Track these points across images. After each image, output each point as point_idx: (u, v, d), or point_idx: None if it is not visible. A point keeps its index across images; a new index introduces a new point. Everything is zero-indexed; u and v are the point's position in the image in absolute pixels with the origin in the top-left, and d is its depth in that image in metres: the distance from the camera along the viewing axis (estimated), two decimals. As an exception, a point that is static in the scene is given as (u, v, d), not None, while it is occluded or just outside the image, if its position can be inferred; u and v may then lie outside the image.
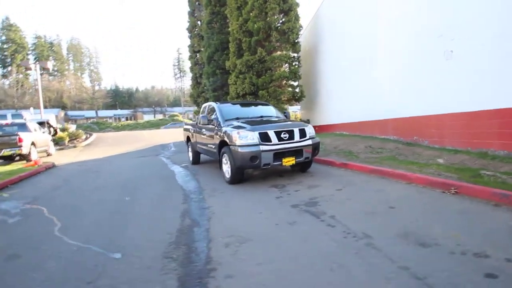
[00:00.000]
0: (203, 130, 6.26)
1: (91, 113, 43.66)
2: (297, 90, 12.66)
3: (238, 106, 6.31)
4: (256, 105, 6.59)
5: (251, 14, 12.05)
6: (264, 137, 4.63)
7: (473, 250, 2.04)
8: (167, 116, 42.38)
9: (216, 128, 5.50)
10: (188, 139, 8.05)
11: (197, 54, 18.08)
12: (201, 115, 5.83)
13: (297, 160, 4.83)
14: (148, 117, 43.03)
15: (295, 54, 12.25)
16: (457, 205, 3.04)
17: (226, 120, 5.44)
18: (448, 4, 5.65)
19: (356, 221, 2.79)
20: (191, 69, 18.71)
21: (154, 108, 47.62)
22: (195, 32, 18.23)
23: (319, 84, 12.71)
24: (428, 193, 3.56)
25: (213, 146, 5.64)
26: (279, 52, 12.05)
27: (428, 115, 6.27)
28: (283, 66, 12.29)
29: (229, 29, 13.31)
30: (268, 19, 11.66)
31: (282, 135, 4.75)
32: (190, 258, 2.28)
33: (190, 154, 7.83)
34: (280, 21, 11.75)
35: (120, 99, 53.82)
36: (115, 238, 2.79)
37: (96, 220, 3.36)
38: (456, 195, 3.37)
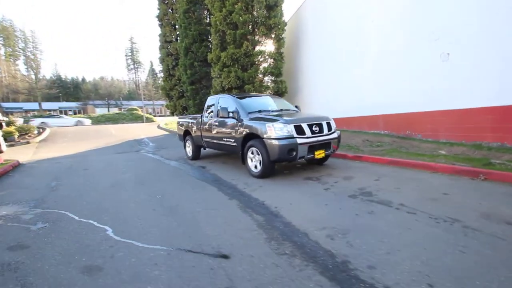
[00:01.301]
0: (216, 123, 5.96)
1: (31, 106, 37.86)
2: (280, 85, 12.80)
3: (254, 98, 6.14)
4: (267, 97, 6.50)
5: (236, 6, 11.76)
6: (299, 130, 4.61)
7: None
8: (123, 110, 39.17)
9: (237, 121, 5.29)
10: (185, 133, 7.60)
11: (170, 44, 17.01)
12: (220, 107, 5.53)
13: (326, 152, 4.92)
14: (100, 111, 39.14)
15: (280, 50, 12.35)
16: (500, 189, 3.45)
17: (249, 113, 5.26)
18: (443, 10, 6.27)
19: (428, 207, 2.97)
20: (163, 60, 17.53)
21: (108, 101, 43.47)
22: (167, 20, 17.12)
23: (302, 80, 13.04)
24: (462, 180, 3.95)
25: (233, 140, 5.42)
26: (264, 47, 12.00)
27: (422, 111, 6.92)
28: (268, 61, 12.29)
29: (211, 20, 12.81)
30: (254, 12, 11.54)
31: (313, 128, 4.79)
32: (308, 253, 2.17)
33: (189, 149, 7.42)
34: (266, 16, 11.68)
35: (65, 90, 47.99)
36: (199, 238, 2.51)
37: (157, 223, 2.97)
38: (487, 181, 3.81)
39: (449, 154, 5.54)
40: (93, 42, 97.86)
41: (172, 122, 24.19)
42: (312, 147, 4.67)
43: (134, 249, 2.35)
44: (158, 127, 20.44)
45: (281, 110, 5.75)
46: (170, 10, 17.12)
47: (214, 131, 6.09)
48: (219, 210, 3.31)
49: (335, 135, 5.11)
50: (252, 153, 4.94)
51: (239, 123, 5.24)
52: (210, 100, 6.67)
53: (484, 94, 5.56)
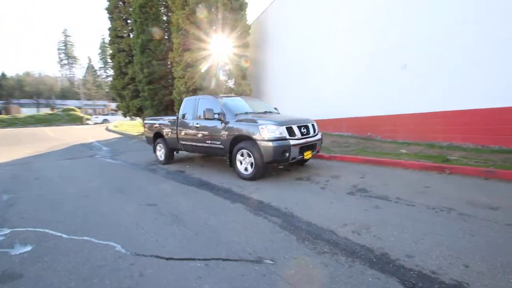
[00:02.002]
0: (197, 125, 5.71)
1: None
2: (245, 88, 12.86)
3: (236, 99, 6.04)
4: (250, 99, 6.47)
5: (199, 5, 11.47)
6: (290, 132, 4.71)
7: (523, 208, 2.89)
8: (56, 110, 34.48)
9: (223, 123, 5.16)
10: (156, 136, 7.11)
11: (121, 39, 15.64)
12: (205, 109, 5.30)
13: (312, 153, 5.13)
14: (28, 111, 33.70)
15: (246, 53, 12.41)
16: (467, 181, 4.06)
17: (236, 115, 5.18)
18: (403, 23, 7.13)
19: (421, 200, 3.34)
20: (113, 56, 15.97)
21: (37, 100, 37.63)
22: (118, 13, 15.72)
23: (265, 83, 13.32)
24: (432, 175, 4.54)
25: (219, 142, 5.26)
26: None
27: (383, 115, 7.72)
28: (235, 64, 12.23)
29: (172, 17, 12.25)
30: (219, 14, 11.41)
31: (302, 130, 4.95)
32: (347, 249, 2.24)
33: (160, 152, 6.96)
34: (232, 19, 11.63)
35: (-24, 86, 40.27)
36: (228, 246, 2.38)
37: (170, 233, 2.69)
38: (452, 174, 4.46)
39: (409, 153, 6.29)
40: (15, 33, 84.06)
41: (122, 124, 22.25)
42: (302, 148, 4.82)
43: (163, 264, 2.11)
44: (107, 129, 18.58)
45: (265, 112, 5.80)
46: (121, 2, 15.77)
47: (194, 134, 5.83)
48: (228, 215, 3.18)
49: (319, 136, 5.36)
50: (242, 155, 4.87)
51: (226, 125, 5.11)
52: (187, 101, 6.36)
53: (436, 100, 6.48)
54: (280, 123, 4.67)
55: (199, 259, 2.16)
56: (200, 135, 5.71)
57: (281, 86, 12.32)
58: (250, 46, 12.58)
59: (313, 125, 5.34)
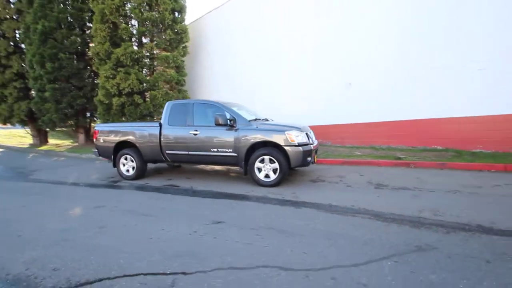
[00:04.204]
0: (197, 132, 5.15)
1: None
2: (184, 95, 12.08)
3: (237, 105, 5.75)
4: (242, 105, 6.26)
5: (135, -1, 10.22)
6: (307, 137, 5.01)
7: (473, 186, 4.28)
8: None
9: (236, 129, 4.91)
10: (119, 146, 5.86)
11: (2, 22, 11.63)
12: (217, 114, 4.85)
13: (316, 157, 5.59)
14: None
15: (182, 58, 11.73)
16: (432, 171, 5.46)
17: (249, 121, 5.04)
18: (348, 46, 8.70)
19: (432, 186, 4.33)
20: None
21: None
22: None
23: (202, 91, 12.95)
24: (405, 169, 5.82)
25: (230, 150, 4.95)
26: (169, 53, 10.98)
27: (332, 124, 9.08)
28: (173, 69, 11.32)
29: (93, 6, 10.29)
30: (155, 12, 10.47)
31: (310, 135, 5.33)
32: (453, 228, 2.77)
33: (127, 166, 5.83)
34: (173, 20, 10.84)
35: None
36: (342, 252, 2.47)
37: (253, 246, 2.46)
38: (416, 168, 5.87)
39: (363, 154, 7.73)
40: None
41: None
42: (314, 153, 5.20)
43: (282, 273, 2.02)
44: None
45: (266, 119, 5.85)
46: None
47: (191, 142, 5.22)
48: (329, 220, 3.16)
49: (316, 141, 5.89)
50: (262, 161, 4.78)
51: (241, 132, 4.89)
52: (175, 106, 5.60)
53: (376, 112, 8.24)
54: (301, 129, 4.91)
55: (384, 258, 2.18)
56: (200, 143, 5.16)
57: (222, 93, 12.28)
58: (189, 52, 12.01)
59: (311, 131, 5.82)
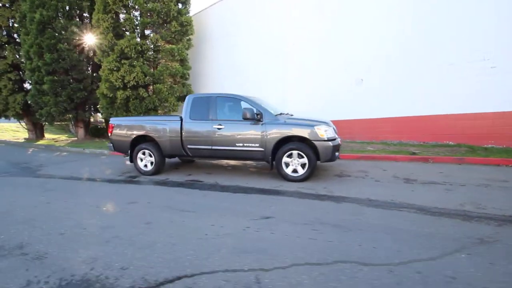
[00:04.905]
0: (222, 127, 5.05)
1: None
2: (189, 89, 11.84)
3: (261, 100, 5.63)
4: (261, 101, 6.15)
5: (138, -13, 9.88)
6: (334, 132, 4.99)
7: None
8: None
9: (263, 123, 4.83)
10: (136, 141, 5.68)
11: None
12: (245, 108, 4.76)
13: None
14: None
15: (187, 51, 11.47)
16: (452, 166, 5.55)
17: (276, 115, 4.97)
18: (356, 42, 8.71)
19: (460, 180, 4.41)
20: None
21: None
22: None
23: (207, 85, 12.75)
24: (425, 164, 5.90)
25: (257, 145, 4.88)
26: (174, 46, 10.69)
27: (342, 119, 9.11)
28: (178, 62, 11.05)
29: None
30: (164, 5, 10.15)
31: (335, 130, 5.32)
32: (498, 219, 2.82)
33: (145, 161, 5.68)
34: (177, 11, 10.54)
35: None
36: (413, 245, 2.47)
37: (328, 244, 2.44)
38: (435, 163, 5.97)
39: (375, 149, 7.80)
40: None
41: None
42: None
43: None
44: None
45: (287, 113, 5.78)
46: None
47: (215, 136, 5.11)
48: (350, 215, 3.16)
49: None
50: (289, 156, 4.74)
51: (268, 126, 4.82)
52: (197, 100, 5.44)
53: (385, 108, 8.32)
54: (328, 124, 4.88)
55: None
56: (225, 138, 5.06)
57: (227, 87, 12.12)
58: (193, 45, 11.75)
59: (333, 126, 5.80)
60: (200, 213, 3.33)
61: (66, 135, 15.97)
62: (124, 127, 5.81)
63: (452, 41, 7.07)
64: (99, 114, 16.13)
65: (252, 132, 4.90)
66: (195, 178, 5.32)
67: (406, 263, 2.04)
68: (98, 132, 13.82)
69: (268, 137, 4.81)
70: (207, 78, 12.89)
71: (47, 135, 14.81)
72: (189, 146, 5.35)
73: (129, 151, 5.80)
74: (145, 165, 5.70)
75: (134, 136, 5.68)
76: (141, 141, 5.78)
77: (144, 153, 5.67)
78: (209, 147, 5.20)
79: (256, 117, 4.85)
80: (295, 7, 9.72)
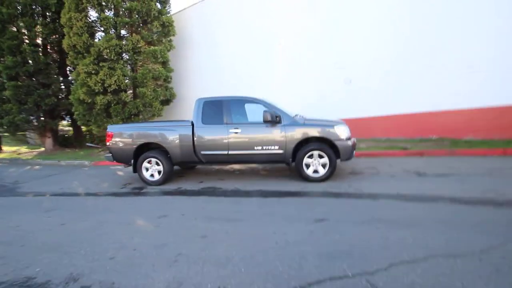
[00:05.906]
0: (239, 130, 4.92)
1: None
2: (171, 92, 11.31)
3: (270, 102, 5.57)
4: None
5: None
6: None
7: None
8: None
9: (282, 125, 4.82)
10: (139, 150, 5.30)
11: None
12: (265, 111, 4.68)
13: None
14: None
15: (168, 54, 10.96)
16: (448, 159, 6.06)
17: (293, 117, 4.99)
18: (345, 42, 9.09)
19: (475, 172, 4.83)
20: None
21: None
22: None
23: (187, 88, 12.30)
24: (422, 158, 6.35)
25: (277, 147, 4.84)
26: (156, 47, 10.14)
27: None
28: (160, 64, 10.50)
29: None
30: (144, 4, 9.61)
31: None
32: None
33: (150, 171, 5.35)
34: (158, 10, 10.03)
35: None
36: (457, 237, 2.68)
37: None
38: (430, 156, 6.46)
39: (368, 146, 8.22)
40: None
41: None
42: (352, 146, 5.37)
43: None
44: None
45: (297, 114, 5.81)
46: None
47: (232, 141, 4.96)
48: (394, 210, 3.30)
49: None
50: (310, 157, 4.78)
51: (287, 128, 4.82)
52: (208, 104, 5.21)
53: (372, 107, 8.81)
54: (344, 124, 5.02)
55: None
56: (243, 141, 4.94)
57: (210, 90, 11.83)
58: (174, 46, 11.27)
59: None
60: (247, 221, 3.20)
61: (26, 147, 14.27)
62: (125, 134, 5.36)
63: (432, 48, 7.75)
64: (64, 122, 14.68)
65: (272, 134, 4.85)
66: (210, 185, 5.11)
67: (487, 251, 2.18)
68: (67, 142, 12.56)
69: (288, 139, 4.80)
70: (189, 80, 12.45)
71: (4, 148, 13.06)
72: (202, 152, 5.12)
73: (132, 161, 5.36)
74: (151, 175, 5.33)
75: (139, 144, 5.27)
76: (145, 149, 5.40)
77: (150, 162, 5.30)
78: (225, 152, 5.03)
79: (276, 119, 4.82)
80: (286, 3, 9.81)
